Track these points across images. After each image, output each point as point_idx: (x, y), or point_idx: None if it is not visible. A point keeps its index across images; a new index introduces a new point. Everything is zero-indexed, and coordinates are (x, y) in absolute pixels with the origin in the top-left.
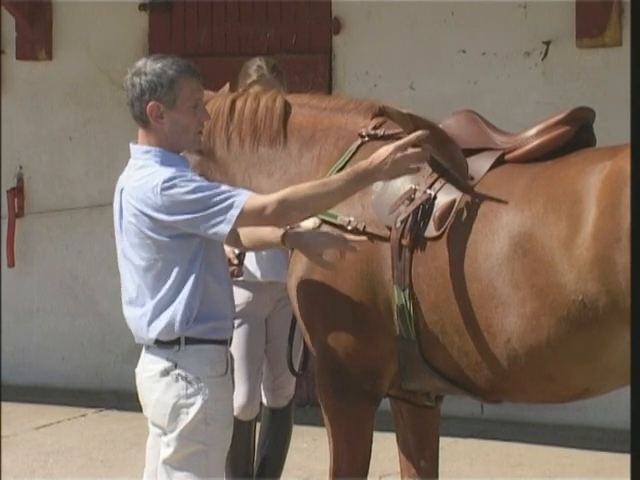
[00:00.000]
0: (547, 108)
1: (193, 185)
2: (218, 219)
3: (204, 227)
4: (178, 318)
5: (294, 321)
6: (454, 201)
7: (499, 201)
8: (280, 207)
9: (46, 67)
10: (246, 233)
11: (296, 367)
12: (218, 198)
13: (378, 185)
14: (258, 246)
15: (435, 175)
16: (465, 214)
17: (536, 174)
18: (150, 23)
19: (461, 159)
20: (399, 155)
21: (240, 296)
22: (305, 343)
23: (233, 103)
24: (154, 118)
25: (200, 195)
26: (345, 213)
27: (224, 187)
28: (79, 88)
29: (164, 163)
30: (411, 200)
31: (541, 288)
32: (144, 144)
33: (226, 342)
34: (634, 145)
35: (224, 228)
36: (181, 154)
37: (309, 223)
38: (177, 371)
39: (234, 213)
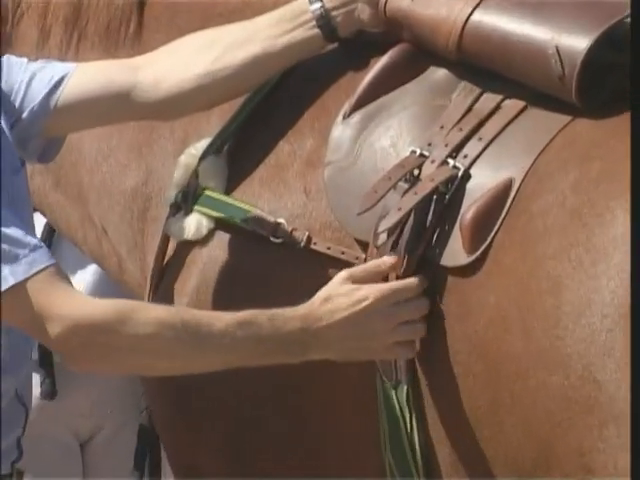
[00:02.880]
0: None
1: None
2: None
3: None
4: None
5: (143, 451)
6: (509, 184)
7: (607, 183)
8: (81, 334)
9: None
10: None
11: None
12: None
13: (340, 144)
14: None
15: (472, 122)
16: (531, 216)
17: None
18: None
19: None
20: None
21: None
22: None
23: None
24: None
25: None
26: (267, 206)
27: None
28: None
29: None
30: (412, 181)
31: None
32: None
33: None
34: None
35: None
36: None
37: (190, 225)
38: None
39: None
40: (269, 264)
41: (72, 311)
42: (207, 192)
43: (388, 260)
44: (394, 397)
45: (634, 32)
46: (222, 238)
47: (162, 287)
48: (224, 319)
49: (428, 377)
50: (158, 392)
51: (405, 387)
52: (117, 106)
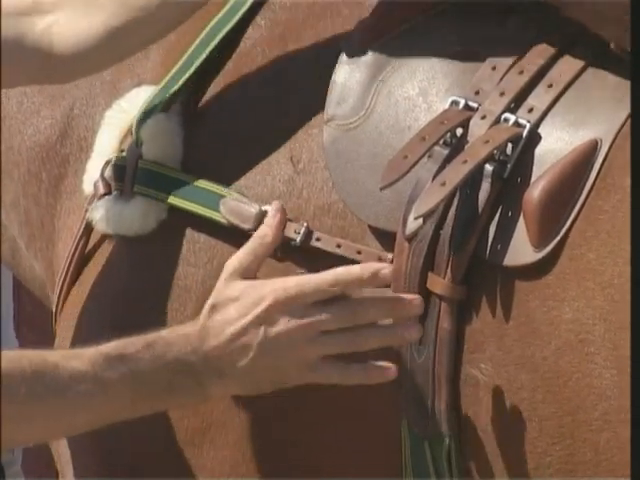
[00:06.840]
0: None
1: None
2: None
3: None
4: None
5: None
6: (593, 148)
7: None
8: None
9: None
10: None
11: None
12: None
13: (346, 93)
14: None
15: (537, 61)
16: (626, 193)
17: None
18: None
19: None
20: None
21: None
22: None
23: None
24: None
25: None
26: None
27: None
28: None
29: None
30: (456, 144)
31: None
32: None
33: None
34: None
35: None
36: None
37: (131, 214)
38: None
39: None
40: None
41: None
42: (156, 167)
43: (382, 271)
44: (427, 452)
45: (634, 32)
46: (179, 234)
47: (77, 295)
48: (85, 356)
49: (477, 425)
50: None
51: (446, 440)
52: (8, 62)
